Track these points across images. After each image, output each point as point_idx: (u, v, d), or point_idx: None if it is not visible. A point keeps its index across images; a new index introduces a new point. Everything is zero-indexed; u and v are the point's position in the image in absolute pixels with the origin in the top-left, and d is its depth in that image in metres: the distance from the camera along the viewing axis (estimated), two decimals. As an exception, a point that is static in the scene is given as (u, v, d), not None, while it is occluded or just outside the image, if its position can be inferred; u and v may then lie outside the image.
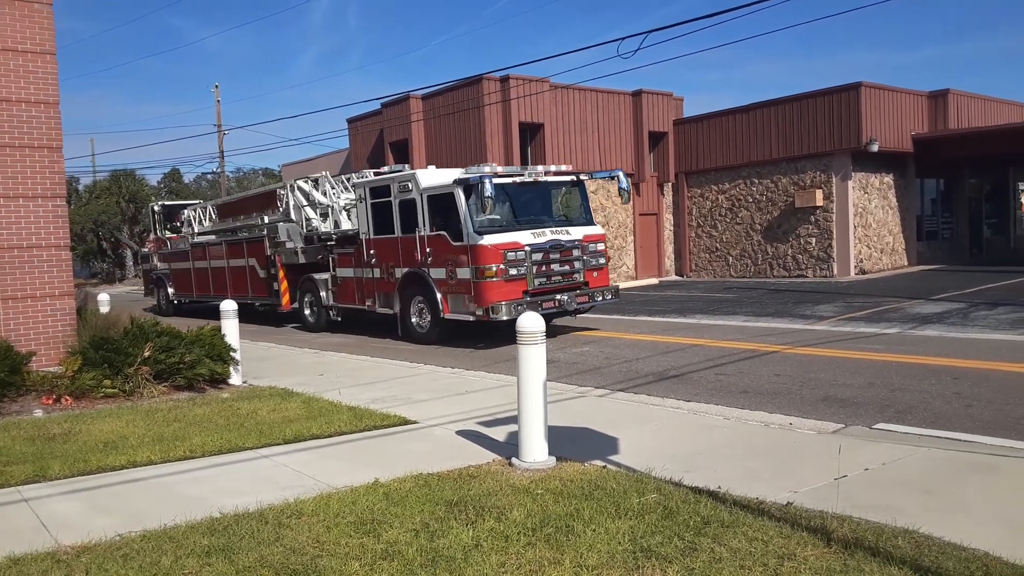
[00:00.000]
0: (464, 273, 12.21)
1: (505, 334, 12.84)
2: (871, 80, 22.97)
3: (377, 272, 14.12)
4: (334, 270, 15.36)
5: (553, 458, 5.58)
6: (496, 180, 11.81)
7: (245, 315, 18.53)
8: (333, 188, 15.91)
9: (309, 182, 16.37)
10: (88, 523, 4.69)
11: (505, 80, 23.09)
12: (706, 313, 15.79)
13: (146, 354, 8.91)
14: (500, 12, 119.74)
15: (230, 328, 9.74)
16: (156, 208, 24.73)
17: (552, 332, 12.46)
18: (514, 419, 5.85)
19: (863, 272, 23.01)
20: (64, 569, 4.00)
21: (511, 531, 4.25)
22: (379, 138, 27.38)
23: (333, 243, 15.39)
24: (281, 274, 16.73)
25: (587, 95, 24.97)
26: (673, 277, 27.21)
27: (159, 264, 23.08)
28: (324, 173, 16.70)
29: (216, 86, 39.96)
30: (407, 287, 13.46)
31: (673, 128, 26.94)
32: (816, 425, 6.70)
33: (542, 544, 4.08)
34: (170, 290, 22.14)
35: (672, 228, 27.58)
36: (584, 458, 5.70)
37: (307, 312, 16.39)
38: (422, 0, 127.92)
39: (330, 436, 6.76)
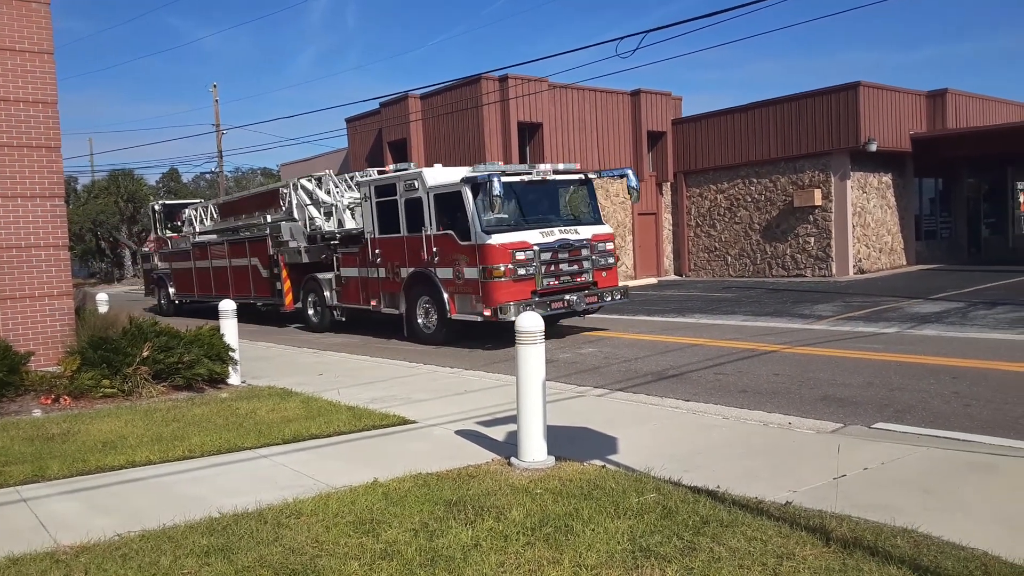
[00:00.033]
0: (472, 273, 12.07)
1: (513, 335, 12.75)
2: (870, 80, 23.01)
3: (382, 272, 13.97)
4: (338, 269, 15.22)
5: (552, 458, 5.58)
6: (504, 179, 11.62)
7: (248, 315, 18.53)
8: (337, 187, 15.78)
9: (312, 181, 16.25)
10: (87, 523, 4.68)
11: (504, 80, 23.09)
12: (705, 313, 15.80)
13: (145, 354, 8.90)
14: (498, 12, 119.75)
15: (229, 328, 9.74)
16: (157, 207, 24.57)
17: (551, 332, 12.46)
18: (513, 419, 5.85)
19: (862, 271, 23.02)
20: (63, 569, 4.00)
21: (510, 531, 4.25)
22: (378, 138, 27.38)
23: (337, 242, 15.26)
24: (284, 274, 16.58)
25: (586, 95, 24.98)
26: (672, 277, 27.22)
27: (160, 264, 22.95)
28: (328, 171, 16.57)
29: (214, 86, 39.83)
30: (413, 287, 13.31)
31: (672, 128, 26.95)
32: (815, 424, 6.70)
33: (541, 544, 4.08)
34: (171, 290, 22.02)
35: (671, 228, 27.60)
36: (583, 458, 5.70)
37: (311, 312, 16.26)
38: (421, 0, 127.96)
39: (329, 436, 6.76)
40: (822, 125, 22.99)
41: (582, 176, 13.51)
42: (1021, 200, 29.93)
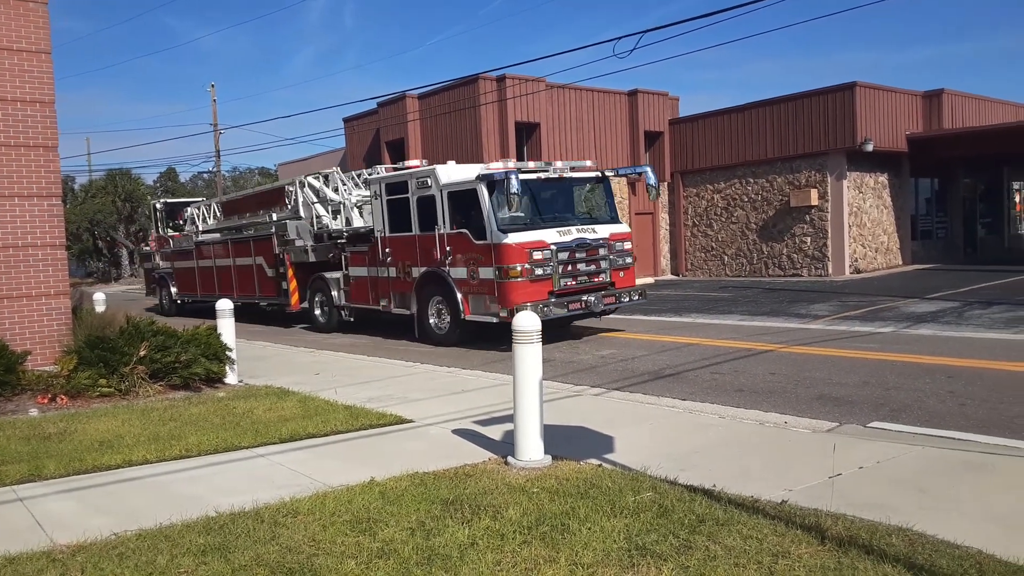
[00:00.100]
0: (487, 273, 11.79)
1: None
2: (867, 80, 23.04)
3: (393, 271, 13.70)
4: (346, 269, 14.95)
5: (549, 457, 5.59)
6: (521, 176, 11.26)
7: (252, 316, 18.46)
8: (344, 184, 15.52)
9: (320, 178, 16.01)
10: (84, 522, 4.69)
11: (501, 79, 23.09)
12: (701, 312, 15.82)
13: (142, 353, 8.90)
14: (496, 12, 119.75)
15: (226, 327, 9.74)
16: (158, 206, 24.22)
17: (553, 333, 12.44)
18: (510, 418, 5.86)
19: (858, 271, 23.06)
20: (60, 568, 4.00)
21: (507, 529, 4.26)
22: (375, 137, 27.38)
23: (344, 241, 15.01)
24: (290, 273, 16.31)
25: (583, 94, 24.99)
26: (669, 276, 27.24)
27: (161, 263, 22.64)
28: (335, 169, 16.32)
29: (212, 85, 39.78)
30: (425, 287, 13.04)
31: (669, 128, 26.97)
32: (811, 424, 6.72)
33: (538, 542, 4.09)
34: (173, 289, 21.75)
35: (668, 227, 27.62)
36: (580, 457, 5.71)
37: (317, 312, 16.00)
38: (419, 0, 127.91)
39: (326, 435, 6.77)
40: (818, 125, 23.03)
41: (599, 174, 13.21)
42: (1017, 200, 30.04)
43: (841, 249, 22.80)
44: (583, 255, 12.16)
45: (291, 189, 16.67)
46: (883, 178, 24.21)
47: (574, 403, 7.85)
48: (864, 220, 23.53)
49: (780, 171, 24.07)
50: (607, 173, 13.39)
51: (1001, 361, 9.15)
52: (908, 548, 3.85)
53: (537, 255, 11.61)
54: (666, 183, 27.24)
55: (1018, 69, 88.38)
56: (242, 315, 18.46)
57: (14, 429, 7.21)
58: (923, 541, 3.93)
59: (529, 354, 5.53)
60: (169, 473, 5.80)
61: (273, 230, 16.87)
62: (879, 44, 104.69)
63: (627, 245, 12.98)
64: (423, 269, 12.96)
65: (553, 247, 11.77)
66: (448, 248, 12.41)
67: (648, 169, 12.98)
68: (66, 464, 5.95)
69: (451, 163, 13.81)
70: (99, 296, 14.84)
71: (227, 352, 9.54)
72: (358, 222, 15.00)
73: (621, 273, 12.76)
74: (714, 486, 4.88)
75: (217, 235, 19.77)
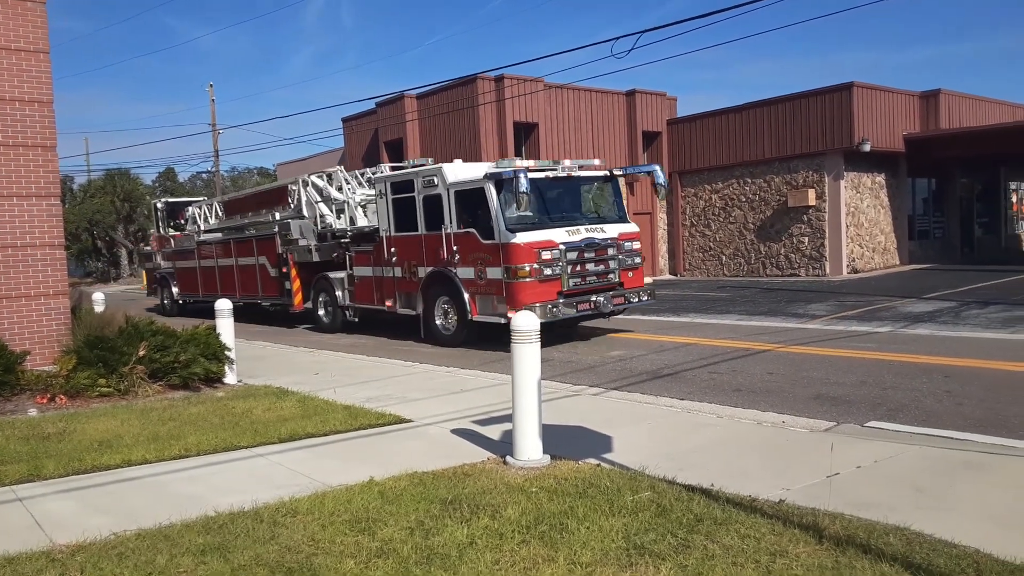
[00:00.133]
0: (495, 273, 11.64)
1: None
2: (865, 80, 23.08)
3: (398, 271, 13.56)
4: (351, 268, 14.81)
5: (547, 456, 5.60)
6: (530, 175, 11.11)
7: (256, 316, 18.39)
8: (348, 183, 15.40)
9: (323, 177, 15.90)
10: (83, 522, 4.69)
11: (500, 80, 23.11)
12: (699, 312, 15.84)
13: (141, 353, 8.90)
14: (495, 12, 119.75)
15: (225, 327, 9.74)
16: (159, 205, 24.09)
17: (551, 333, 12.44)
18: (509, 418, 5.87)
19: (855, 271, 23.10)
20: (59, 568, 4.01)
21: (505, 529, 4.27)
22: (374, 137, 27.40)
23: (348, 240, 14.88)
24: (294, 273, 16.13)
25: (581, 95, 25.02)
26: (667, 276, 27.27)
27: (162, 263, 22.49)
28: (339, 168, 16.20)
29: (211, 85, 39.76)
30: (431, 287, 12.90)
31: (667, 128, 27.01)
32: (808, 423, 6.73)
33: (536, 542, 4.10)
34: (174, 289, 21.58)
35: (666, 227, 27.65)
36: (578, 456, 5.72)
37: (321, 312, 15.85)
38: (417, 0, 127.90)
39: (325, 435, 6.77)
40: (816, 125, 23.06)
41: (607, 172, 13.10)
42: (1014, 200, 30.11)
43: (838, 249, 22.84)
44: (592, 255, 12.02)
45: (294, 188, 16.54)
46: (880, 178, 24.25)
47: (573, 403, 7.86)
48: (861, 220, 23.56)
49: (778, 171, 24.10)
50: (615, 172, 13.26)
51: (998, 361, 9.18)
52: (906, 547, 3.86)
53: (546, 255, 11.47)
54: (661, 184, 27.23)
55: (1015, 69, 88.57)
56: (245, 315, 18.46)
57: (13, 429, 7.21)
58: (920, 540, 3.95)
59: (528, 354, 5.54)
60: (168, 473, 5.80)
61: (276, 229, 16.71)
62: (877, 45, 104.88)
63: (636, 245, 12.82)
64: (429, 269, 12.85)
65: (562, 247, 11.63)
66: (455, 248, 12.27)
67: (657, 168, 12.85)
68: (65, 464, 5.95)
69: (458, 161, 13.65)
70: (98, 296, 14.83)
71: (226, 352, 9.54)
72: (362, 221, 14.86)
73: (630, 273, 12.61)
74: (712, 485, 4.89)
75: (219, 234, 19.63)
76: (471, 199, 12.06)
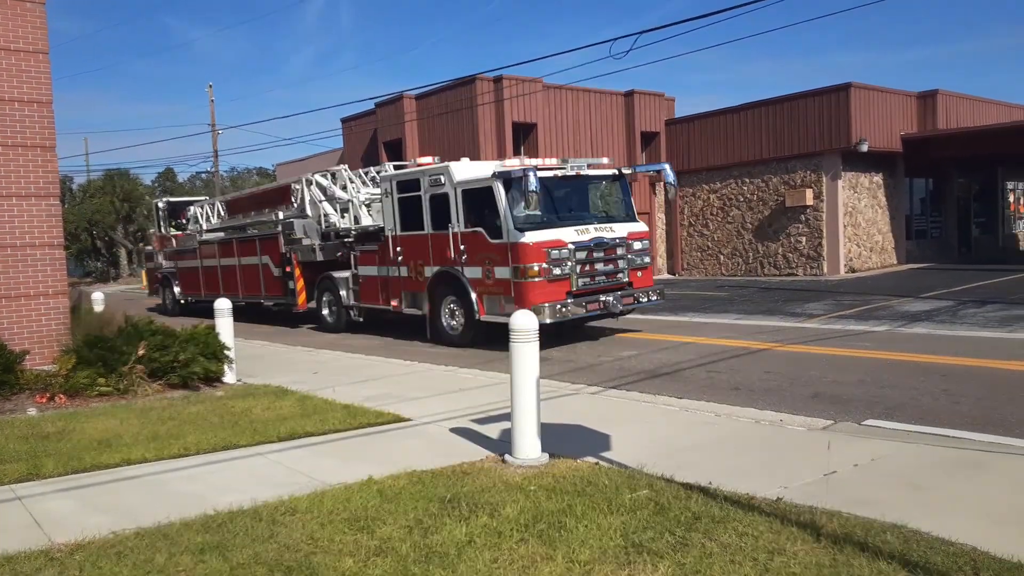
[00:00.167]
0: (503, 272, 11.52)
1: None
2: (863, 81, 23.11)
3: (404, 270, 13.42)
4: (356, 268, 14.70)
5: (546, 455, 5.62)
6: (539, 173, 10.96)
7: (259, 316, 18.34)
8: (352, 182, 15.29)
9: (327, 176, 15.80)
10: (82, 521, 4.70)
11: (498, 80, 23.12)
12: (698, 311, 15.86)
13: (140, 352, 8.91)
14: (494, 13, 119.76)
15: (224, 326, 9.75)
16: (160, 204, 23.93)
17: (543, 332, 12.43)
18: (507, 416, 5.88)
19: (853, 271, 23.13)
20: (58, 567, 4.02)
21: (504, 527, 4.28)
22: (373, 138, 27.40)
23: (352, 240, 14.80)
24: (297, 272, 15.99)
25: (580, 95, 25.03)
26: (665, 276, 27.28)
27: (164, 262, 22.33)
28: (343, 167, 16.09)
29: (210, 86, 39.78)
30: (438, 287, 12.78)
31: (665, 128, 27.03)
32: (806, 421, 6.75)
33: (534, 540, 4.12)
34: (176, 289, 21.44)
35: (664, 227, 27.67)
36: (577, 455, 5.74)
37: (325, 312, 15.75)
38: (416, 1, 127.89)
39: (324, 434, 6.78)
40: (814, 126, 23.09)
41: (615, 171, 12.96)
42: (1011, 200, 30.15)
43: (836, 249, 22.86)
44: (601, 254, 11.91)
45: (297, 187, 16.43)
46: (878, 178, 24.28)
47: (571, 401, 7.87)
48: (859, 220, 23.59)
49: (776, 171, 24.12)
50: (624, 170, 13.12)
51: (995, 360, 9.20)
52: (903, 545, 3.88)
53: (555, 254, 11.35)
54: (662, 183, 27.24)
55: (1011, 69, 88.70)
56: (249, 315, 18.45)
57: (12, 428, 7.21)
58: (918, 538, 3.96)
59: (526, 353, 5.55)
60: (167, 472, 5.81)
61: (280, 229, 16.60)
62: (875, 45, 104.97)
63: (645, 244, 12.71)
64: (436, 268, 12.73)
65: (571, 246, 11.50)
66: (462, 247, 12.14)
67: (667, 166, 12.73)
68: (64, 463, 5.96)
69: (465, 160, 13.58)
70: (97, 296, 14.85)
71: (225, 351, 9.55)
72: (367, 220, 14.74)
73: (639, 273, 12.52)
74: (710, 484, 4.91)
75: (221, 234, 19.53)
76: (479, 198, 11.91)
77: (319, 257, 15.56)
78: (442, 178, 12.47)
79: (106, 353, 8.79)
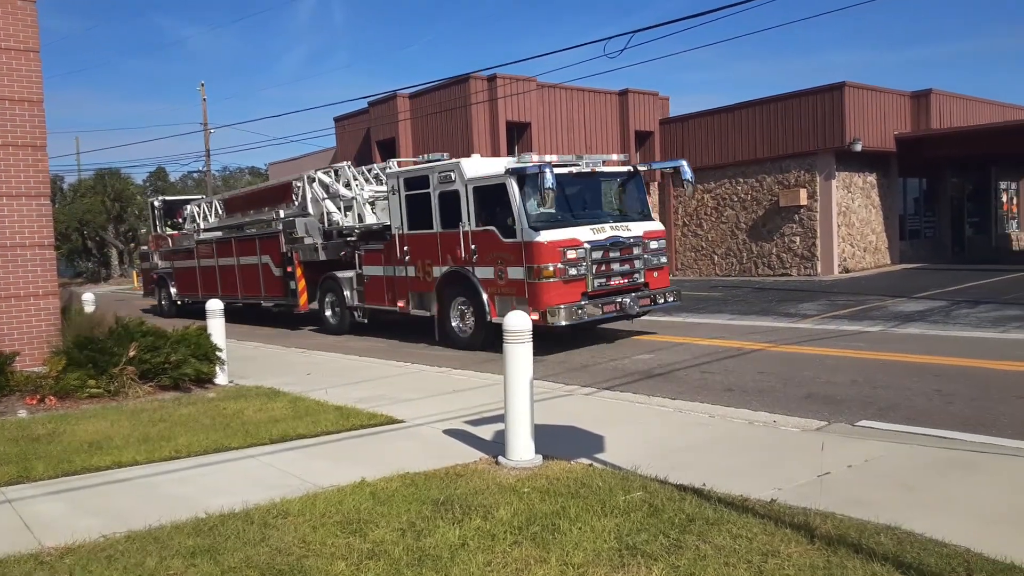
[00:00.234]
0: (516, 273, 11.18)
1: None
2: (860, 80, 23.16)
3: (412, 270, 13.06)
4: (360, 268, 14.35)
5: (539, 456, 5.60)
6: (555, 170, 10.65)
7: (259, 317, 18.19)
8: (356, 179, 15.03)
9: (330, 174, 15.51)
10: (72, 524, 4.67)
11: (492, 79, 23.10)
12: (691, 312, 15.85)
13: (131, 354, 8.86)
14: (487, 11, 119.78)
15: (216, 327, 9.71)
16: (156, 203, 23.59)
17: (539, 331, 12.37)
18: (501, 418, 5.87)
19: (846, 271, 23.17)
20: (47, 570, 3.99)
21: (497, 530, 4.26)
22: (366, 137, 27.35)
23: (356, 238, 14.51)
24: (299, 272, 15.69)
25: (574, 94, 25.03)
26: (659, 276, 27.28)
27: (160, 263, 21.94)
28: (346, 163, 15.80)
29: (202, 84, 39.83)
30: (447, 287, 12.44)
31: (659, 127, 27.05)
32: (800, 422, 6.75)
33: (528, 542, 4.10)
34: (173, 290, 21.09)
35: (658, 227, 27.65)
36: (570, 456, 5.72)
37: (328, 313, 15.42)
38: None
39: (316, 435, 6.75)
40: (808, 125, 23.12)
41: (631, 168, 12.63)
42: (1004, 200, 30.26)
43: (830, 249, 22.91)
44: (617, 254, 11.60)
45: (299, 185, 16.13)
46: (872, 178, 24.34)
47: (565, 403, 7.86)
48: (853, 220, 23.64)
49: (769, 171, 24.16)
50: (640, 167, 12.81)
51: (987, 360, 9.22)
52: (896, 546, 3.87)
53: (571, 254, 11.01)
54: (656, 183, 27.31)
55: (1011, 69, 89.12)
56: (248, 317, 18.34)
57: (2, 430, 7.16)
58: (911, 539, 3.96)
59: (520, 354, 5.53)
60: (159, 474, 5.78)
61: (280, 227, 16.30)
62: (873, 44, 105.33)
63: (662, 243, 12.48)
64: (445, 268, 12.40)
65: (587, 246, 11.17)
66: (473, 246, 11.81)
67: (684, 163, 12.38)
68: (55, 465, 5.92)
69: (476, 156, 13.27)
70: (88, 296, 14.77)
71: (217, 352, 9.51)
72: (371, 219, 14.41)
73: (655, 273, 12.24)
74: (704, 485, 4.90)
75: (219, 233, 19.21)
76: (491, 195, 11.58)
77: (321, 256, 15.29)
78: (452, 175, 12.12)
79: (97, 354, 8.75)
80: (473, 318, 12.14)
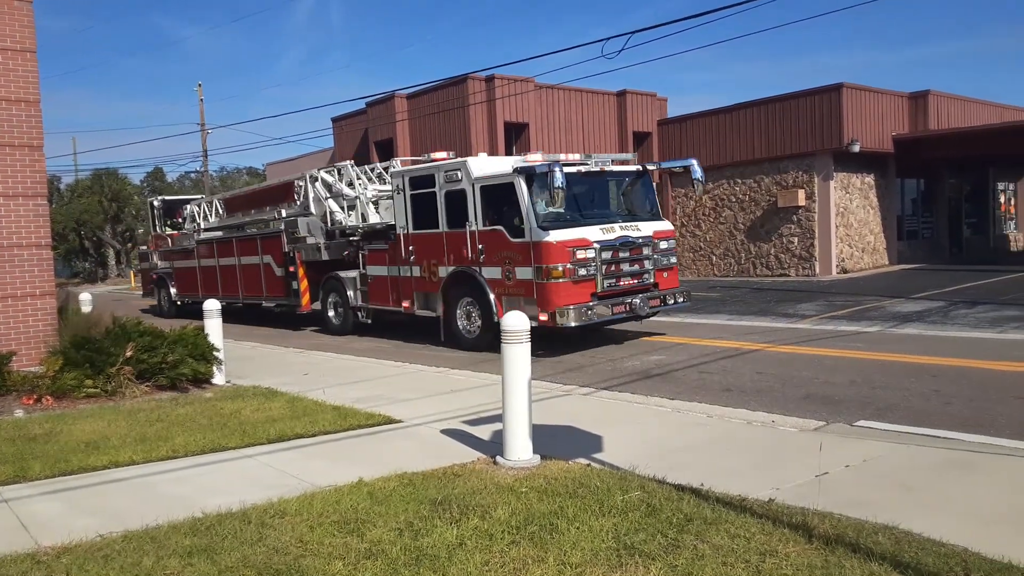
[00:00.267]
0: (524, 273, 11.04)
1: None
2: (859, 81, 23.18)
3: (417, 270, 12.91)
4: (364, 267, 14.21)
5: (537, 456, 5.59)
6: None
7: (259, 318, 18.15)
8: (359, 179, 14.89)
9: (333, 173, 15.40)
10: (69, 523, 4.65)
11: (490, 80, 23.10)
12: (689, 312, 15.83)
13: (128, 354, 8.85)
14: (486, 12, 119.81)
15: (213, 327, 9.70)
16: (156, 203, 23.41)
17: (545, 331, 12.36)
18: (499, 418, 5.86)
19: (844, 271, 23.19)
20: (44, 570, 3.98)
21: (495, 529, 4.26)
22: (364, 137, 27.33)
23: (359, 238, 14.37)
24: (301, 272, 15.51)
25: (572, 95, 25.03)
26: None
27: (160, 263, 21.77)
28: (349, 163, 15.63)
29: (199, 84, 39.70)
30: (453, 287, 12.28)
31: (657, 128, 27.04)
32: (798, 423, 6.75)
33: (526, 542, 4.09)
34: (172, 290, 20.93)
35: (656, 228, 27.65)
36: (568, 456, 5.71)
37: (331, 314, 15.25)
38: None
39: (314, 435, 6.74)
40: (806, 126, 23.13)
41: (640, 167, 12.53)
42: (1002, 201, 30.29)
43: (828, 249, 22.92)
44: (627, 254, 11.46)
45: (301, 184, 16.03)
46: (869, 179, 24.35)
47: (563, 403, 7.85)
48: (851, 220, 23.66)
49: (768, 172, 24.17)
50: (649, 166, 12.71)
51: (985, 360, 9.22)
52: (894, 546, 3.87)
53: (580, 254, 10.88)
54: (654, 183, 27.28)
55: (1010, 70, 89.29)
56: (249, 318, 18.28)
57: (-1, 430, 7.15)
58: (909, 539, 3.96)
59: (518, 354, 5.53)
60: (155, 474, 5.77)
61: (282, 227, 16.16)
62: (871, 45, 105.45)
63: (671, 244, 12.36)
64: (451, 268, 12.24)
65: (596, 245, 11.03)
66: (480, 246, 11.65)
67: (694, 162, 12.28)
68: (52, 465, 5.91)
69: (482, 155, 13.17)
70: (85, 296, 14.71)
71: (214, 352, 9.50)
72: (374, 218, 14.28)
73: (665, 274, 12.11)
74: (702, 485, 4.89)
75: (220, 233, 19.08)
76: (498, 194, 11.42)
77: (324, 256, 15.17)
78: (459, 173, 11.97)
79: (94, 354, 8.73)
80: (479, 319, 12.01)
